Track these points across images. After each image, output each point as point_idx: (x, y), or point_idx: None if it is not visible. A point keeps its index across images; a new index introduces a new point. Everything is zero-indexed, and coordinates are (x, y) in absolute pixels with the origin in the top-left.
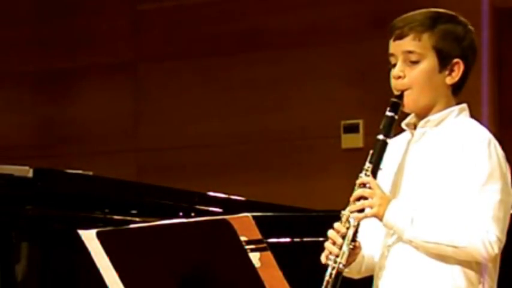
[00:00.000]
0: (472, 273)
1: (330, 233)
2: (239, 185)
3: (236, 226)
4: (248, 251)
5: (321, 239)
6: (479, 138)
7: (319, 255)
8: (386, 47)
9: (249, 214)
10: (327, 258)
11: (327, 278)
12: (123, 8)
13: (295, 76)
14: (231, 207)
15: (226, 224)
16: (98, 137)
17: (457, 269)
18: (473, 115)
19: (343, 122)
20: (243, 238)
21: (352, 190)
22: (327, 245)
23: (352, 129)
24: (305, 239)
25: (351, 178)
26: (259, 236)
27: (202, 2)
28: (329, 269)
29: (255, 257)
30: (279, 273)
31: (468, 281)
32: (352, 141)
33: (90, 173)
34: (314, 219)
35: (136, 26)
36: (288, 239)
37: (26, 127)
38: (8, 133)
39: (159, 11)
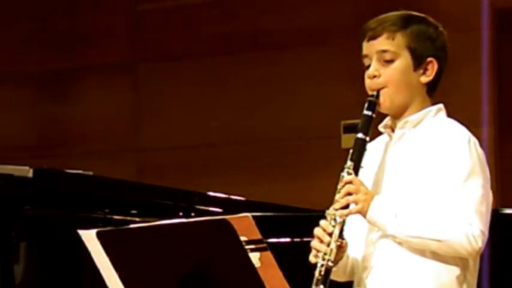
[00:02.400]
0: (457, 270)
1: (317, 231)
2: (239, 185)
3: (236, 226)
4: (248, 251)
5: None
6: (459, 136)
7: None
8: None
9: (249, 214)
10: (315, 256)
11: (316, 275)
12: (123, 8)
13: (295, 76)
14: (231, 207)
15: (226, 224)
16: (98, 137)
17: (441, 266)
18: (473, 115)
19: (343, 122)
20: (243, 238)
21: (335, 189)
22: (314, 243)
23: (352, 129)
24: (305, 239)
25: None
26: (259, 236)
27: (202, 2)
28: (318, 267)
29: (255, 257)
30: (279, 273)
31: (453, 277)
32: (352, 141)
33: (90, 173)
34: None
35: (136, 26)
36: (288, 239)
37: (27, 127)
38: (8, 133)
39: (159, 11)
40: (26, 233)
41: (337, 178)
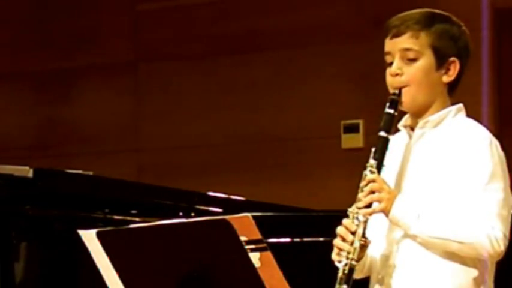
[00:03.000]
0: (475, 272)
1: (339, 230)
2: (239, 185)
3: (236, 226)
4: (248, 251)
5: (321, 238)
6: (481, 137)
7: (319, 255)
8: None
9: (249, 214)
10: (338, 255)
11: (340, 274)
12: (123, 8)
13: (295, 76)
14: (231, 207)
15: (226, 224)
16: (98, 137)
17: (459, 268)
18: (473, 115)
19: (343, 122)
20: (243, 238)
21: (357, 188)
22: (337, 242)
23: (352, 129)
24: (305, 239)
25: (351, 178)
26: (259, 236)
27: (202, 2)
28: (341, 266)
29: (255, 257)
30: (279, 273)
31: (471, 279)
32: (352, 141)
33: (90, 173)
34: (314, 219)
35: (136, 26)
36: (288, 239)
37: (26, 127)
38: (8, 133)
39: (159, 11)
40: (26, 233)
41: (337, 178)
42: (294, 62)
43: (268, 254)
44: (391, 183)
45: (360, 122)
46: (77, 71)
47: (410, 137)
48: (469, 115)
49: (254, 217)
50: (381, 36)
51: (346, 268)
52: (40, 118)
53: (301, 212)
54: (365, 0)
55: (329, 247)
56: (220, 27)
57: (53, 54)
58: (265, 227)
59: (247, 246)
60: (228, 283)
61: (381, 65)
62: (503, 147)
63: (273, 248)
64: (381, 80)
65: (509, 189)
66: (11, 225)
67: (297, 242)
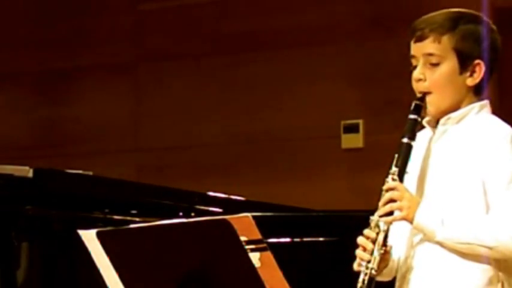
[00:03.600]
0: (491, 272)
1: (360, 239)
2: (239, 185)
3: (236, 226)
4: (248, 251)
5: (321, 238)
6: (501, 135)
7: (319, 255)
8: (386, 47)
9: (249, 214)
10: (359, 265)
11: (359, 284)
12: (124, 8)
13: (295, 76)
14: (231, 207)
15: (226, 224)
16: (98, 137)
17: (475, 268)
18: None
19: (343, 122)
20: (243, 238)
21: (380, 195)
22: (358, 252)
23: (352, 129)
24: (305, 239)
25: (351, 178)
26: (259, 236)
27: (202, 2)
28: (361, 275)
29: (255, 257)
30: (279, 273)
31: (487, 279)
32: (352, 141)
33: (90, 173)
34: (314, 219)
35: (136, 26)
36: (288, 239)
37: (26, 127)
38: (8, 133)
39: (160, 11)
40: (26, 233)
41: (337, 178)
42: (294, 62)
43: (268, 254)
44: (413, 184)
45: (360, 122)
46: (77, 71)
47: (434, 133)
48: None
49: (254, 217)
50: (380, 37)
51: (366, 278)
52: (40, 118)
53: (301, 212)
54: (365, 0)
55: (329, 247)
56: (220, 27)
57: (53, 54)
58: (265, 227)
59: (247, 246)
60: (228, 283)
61: (381, 65)
62: None
63: (273, 248)
64: (381, 80)
65: None
66: (11, 225)
67: (297, 242)
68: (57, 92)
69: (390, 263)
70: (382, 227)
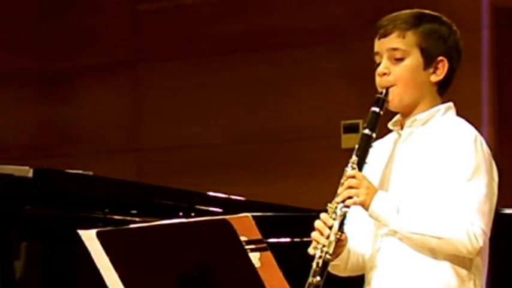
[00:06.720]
0: (462, 270)
1: (317, 223)
2: (239, 185)
3: (236, 226)
4: (248, 251)
5: None
6: (466, 134)
7: None
8: None
9: (249, 214)
10: (315, 248)
11: (314, 267)
12: (123, 8)
13: (295, 76)
14: (231, 207)
15: (226, 224)
16: (98, 137)
17: (446, 266)
18: (473, 115)
19: (343, 122)
20: (243, 238)
21: (338, 184)
22: (314, 235)
23: (352, 129)
24: (305, 239)
25: None
26: (259, 236)
27: (202, 2)
28: (316, 258)
29: (255, 257)
30: (279, 273)
31: (458, 277)
32: (352, 141)
33: (90, 173)
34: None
35: (136, 26)
36: (288, 239)
37: (26, 127)
38: (8, 133)
39: (159, 11)
40: (26, 233)
41: (337, 178)
42: (294, 61)
43: (268, 254)
44: (377, 179)
45: (360, 122)
46: (77, 71)
47: (400, 135)
48: (469, 115)
49: (254, 217)
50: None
51: (320, 261)
52: (40, 118)
53: (301, 212)
54: (365, 0)
55: None
56: (220, 27)
57: (53, 54)
58: (265, 227)
59: (247, 246)
60: (228, 283)
61: None
62: (503, 147)
63: (273, 248)
64: None
65: (493, 186)
66: (11, 225)
67: (297, 242)
68: (57, 92)
69: (345, 253)
70: (339, 212)
